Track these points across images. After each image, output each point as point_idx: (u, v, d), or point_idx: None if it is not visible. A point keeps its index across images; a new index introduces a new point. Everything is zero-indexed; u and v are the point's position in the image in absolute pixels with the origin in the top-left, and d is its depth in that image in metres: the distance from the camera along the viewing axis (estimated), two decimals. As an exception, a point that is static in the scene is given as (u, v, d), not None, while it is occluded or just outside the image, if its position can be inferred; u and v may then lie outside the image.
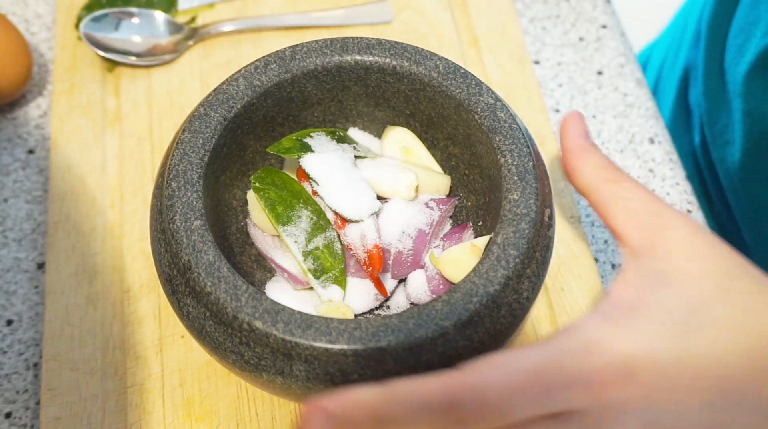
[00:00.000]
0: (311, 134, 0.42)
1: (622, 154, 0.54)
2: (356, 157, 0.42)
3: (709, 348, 0.32)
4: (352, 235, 0.40)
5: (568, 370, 0.30)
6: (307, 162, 0.41)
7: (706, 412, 0.31)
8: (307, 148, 0.41)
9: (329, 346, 0.31)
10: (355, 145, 0.43)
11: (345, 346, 0.31)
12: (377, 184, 0.42)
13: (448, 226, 0.44)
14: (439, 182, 0.43)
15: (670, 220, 0.35)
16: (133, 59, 0.54)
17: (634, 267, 0.34)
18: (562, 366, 0.30)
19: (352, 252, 0.40)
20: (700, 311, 0.32)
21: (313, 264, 0.40)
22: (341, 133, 0.43)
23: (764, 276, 0.34)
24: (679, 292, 0.33)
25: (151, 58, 0.55)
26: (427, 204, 0.42)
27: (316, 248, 0.40)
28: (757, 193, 0.59)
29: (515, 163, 0.36)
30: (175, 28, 0.56)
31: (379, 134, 0.45)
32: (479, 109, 0.38)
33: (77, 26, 0.55)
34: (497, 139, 0.37)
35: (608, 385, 0.30)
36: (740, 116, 0.59)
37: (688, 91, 0.69)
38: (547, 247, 0.36)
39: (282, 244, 0.42)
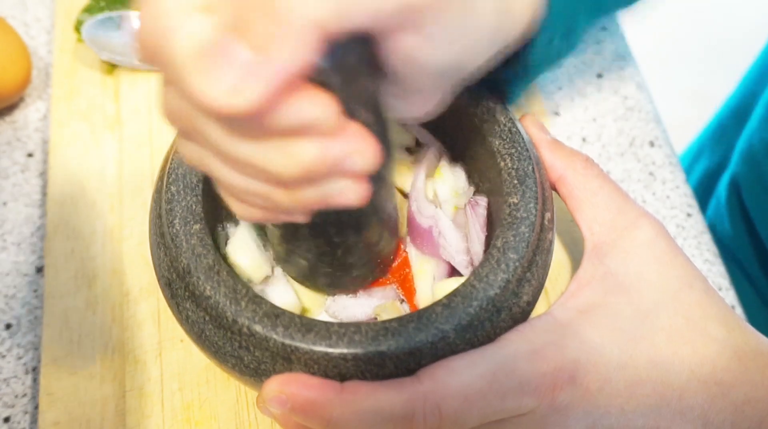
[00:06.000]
0: None
1: (623, 157, 0.54)
2: None
3: (652, 355, 0.32)
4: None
5: (520, 375, 0.30)
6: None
7: (646, 418, 0.32)
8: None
9: (329, 350, 0.31)
10: None
11: (345, 350, 0.31)
12: None
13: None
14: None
15: (635, 219, 0.35)
16: (134, 62, 0.54)
17: (592, 266, 0.35)
18: (514, 370, 0.30)
19: None
20: (648, 319, 0.33)
21: None
22: None
23: (713, 289, 0.34)
24: (632, 298, 0.33)
25: (151, 61, 0.55)
26: None
27: None
28: None
29: (515, 166, 0.36)
30: (174, 31, 0.56)
31: None
32: (479, 113, 0.38)
33: (76, 29, 0.55)
34: (497, 143, 0.37)
35: (555, 388, 0.31)
36: None
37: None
38: (548, 251, 0.36)
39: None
